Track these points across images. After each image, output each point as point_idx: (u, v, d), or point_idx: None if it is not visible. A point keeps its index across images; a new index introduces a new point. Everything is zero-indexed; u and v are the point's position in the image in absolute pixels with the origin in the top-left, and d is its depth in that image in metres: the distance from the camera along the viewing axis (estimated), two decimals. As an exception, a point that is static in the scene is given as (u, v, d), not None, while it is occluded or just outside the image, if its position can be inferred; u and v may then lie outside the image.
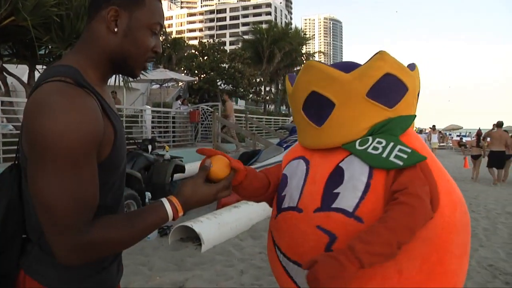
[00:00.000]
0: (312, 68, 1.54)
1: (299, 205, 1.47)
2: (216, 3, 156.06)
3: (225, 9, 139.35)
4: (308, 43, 45.48)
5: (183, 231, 5.32)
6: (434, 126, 24.59)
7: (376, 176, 1.37)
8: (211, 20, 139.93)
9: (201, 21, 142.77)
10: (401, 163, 1.34)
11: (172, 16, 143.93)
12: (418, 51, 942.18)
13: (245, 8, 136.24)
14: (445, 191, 1.41)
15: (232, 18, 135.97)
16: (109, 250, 1.10)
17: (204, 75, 24.45)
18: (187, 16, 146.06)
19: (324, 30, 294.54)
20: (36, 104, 1.02)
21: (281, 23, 60.86)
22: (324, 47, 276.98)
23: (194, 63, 25.30)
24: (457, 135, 38.71)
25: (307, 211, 1.43)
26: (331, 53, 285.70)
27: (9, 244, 1.15)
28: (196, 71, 24.73)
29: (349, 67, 1.52)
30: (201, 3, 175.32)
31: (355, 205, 1.35)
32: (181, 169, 7.17)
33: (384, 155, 1.36)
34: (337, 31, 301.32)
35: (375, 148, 1.39)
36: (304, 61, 35.73)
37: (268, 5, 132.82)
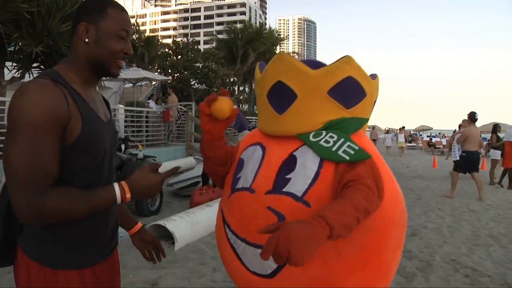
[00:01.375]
0: (282, 60, 1.64)
1: (252, 186, 1.57)
2: (190, 2, 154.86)
3: (200, 8, 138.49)
4: (282, 44, 45.68)
5: (156, 229, 5.35)
6: (403, 127, 26.01)
7: (326, 167, 1.48)
8: (186, 19, 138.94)
9: (175, 20, 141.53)
10: (347, 157, 1.46)
11: (145, 14, 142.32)
12: (392, 54, 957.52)
13: (219, 7, 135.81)
14: (389, 188, 1.54)
15: (206, 17, 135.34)
16: (61, 216, 1.26)
17: (178, 74, 24.33)
18: (161, 14, 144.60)
19: (299, 31, 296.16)
20: (15, 92, 1.28)
21: (256, 23, 60.93)
22: (298, 48, 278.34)
23: (167, 62, 25.17)
24: (427, 136, 39.67)
25: (259, 192, 1.53)
26: (305, 53, 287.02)
27: (13, 216, 1.36)
28: (169, 70, 24.59)
29: (317, 65, 1.63)
30: (176, 1, 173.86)
31: (304, 190, 1.46)
32: (154, 168, 7.15)
33: (334, 148, 1.48)
34: (311, 32, 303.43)
35: (326, 142, 1.51)
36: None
37: (243, 5, 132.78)
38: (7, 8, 6.93)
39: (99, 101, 1.53)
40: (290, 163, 1.54)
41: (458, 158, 9.78)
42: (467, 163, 9.39)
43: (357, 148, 1.49)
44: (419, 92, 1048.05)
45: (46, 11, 7.61)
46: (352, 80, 1.59)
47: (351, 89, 1.60)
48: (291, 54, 40.92)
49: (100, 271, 1.48)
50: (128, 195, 1.35)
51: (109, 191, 1.33)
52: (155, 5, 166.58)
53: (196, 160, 11.27)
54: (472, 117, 9.25)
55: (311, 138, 1.54)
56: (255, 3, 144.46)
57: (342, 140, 1.51)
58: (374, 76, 1.73)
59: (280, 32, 43.27)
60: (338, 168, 1.46)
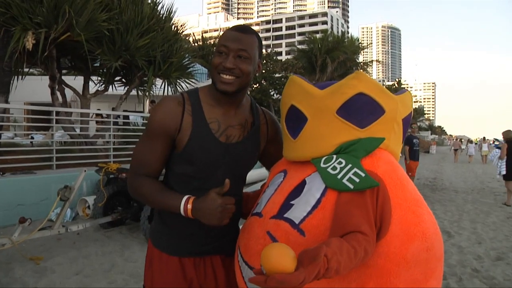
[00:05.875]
0: (293, 83, 1.62)
1: (262, 211, 1.54)
2: (272, 14, 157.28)
3: (281, 19, 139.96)
4: (365, 52, 44.63)
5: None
6: (484, 137, 28.32)
7: (329, 195, 1.37)
8: (267, 30, 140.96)
9: (257, 32, 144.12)
10: (351, 186, 1.33)
11: (229, 27, 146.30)
12: (483, 60, 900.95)
13: (301, 18, 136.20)
14: (402, 221, 1.35)
15: (288, 28, 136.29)
16: (139, 197, 1.60)
17: (257, 85, 24.63)
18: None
19: (382, 39, 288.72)
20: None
21: (338, 32, 60.31)
22: (382, 56, 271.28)
23: (247, 73, 25.55)
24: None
25: (266, 217, 1.49)
26: (389, 61, 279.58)
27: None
28: (249, 81, 24.96)
29: (330, 86, 1.54)
30: (258, 13, 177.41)
31: (302, 218, 1.37)
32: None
33: (339, 176, 1.38)
34: (396, 39, 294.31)
35: (334, 168, 1.41)
36: (361, 70, 35.11)
37: (324, 14, 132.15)
38: (90, 28, 7.46)
39: (233, 122, 1.64)
40: (299, 189, 1.47)
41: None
42: None
43: (363, 175, 1.35)
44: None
45: (124, 28, 8.07)
46: (364, 96, 1.46)
47: (364, 106, 1.47)
48: (375, 62, 39.94)
49: (201, 265, 1.68)
50: (189, 206, 1.47)
51: (177, 199, 1.50)
52: (238, 18, 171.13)
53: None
54: None
55: (321, 164, 1.45)
56: (336, 12, 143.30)
57: (349, 166, 1.39)
58: (402, 92, 1.62)
59: (362, 40, 42.29)
60: (340, 197, 1.35)
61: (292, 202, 1.44)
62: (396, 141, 1.59)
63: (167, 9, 9.69)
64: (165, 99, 1.59)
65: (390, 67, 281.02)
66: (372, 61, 41.40)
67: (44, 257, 4.67)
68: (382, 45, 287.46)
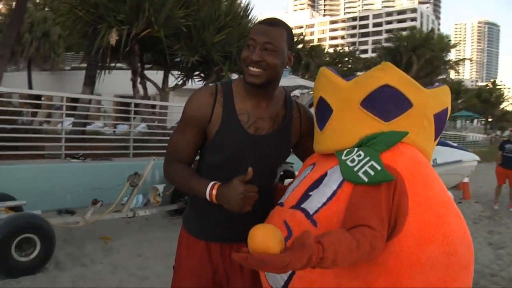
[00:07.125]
0: (321, 75, 1.62)
1: (284, 201, 1.56)
2: (359, 10, 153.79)
3: (368, 16, 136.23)
4: (457, 50, 42.14)
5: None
6: None
7: (345, 187, 1.36)
8: (354, 27, 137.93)
9: (343, 29, 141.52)
10: (366, 179, 1.31)
11: (314, 24, 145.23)
12: None
13: (389, 14, 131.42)
14: (420, 220, 1.29)
15: (375, 25, 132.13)
16: (173, 183, 1.70)
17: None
18: (330, 23, 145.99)
19: (478, 35, 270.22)
20: None
21: (428, 29, 57.58)
22: (477, 54, 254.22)
23: (327, 71, 25.34)
24: None
25: (286, 206, 1.52)
26: (485, 60, 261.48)
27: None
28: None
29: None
30: (344, 10, 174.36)
31: (316, 209, 1.37)
32: (291, 174, 7.25)
33: (356, 169, 1.35)
34: (493, 36, 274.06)
35: (352, 161, 1.39)
36: (449, 69, 33.22)
37: (414, 10, 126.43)
38: (169, 24, 7.88)
39: (263, 114, 1.65)
40: (319, 181, 1.46)
41: None
42: None
43: (379, 168, 1.31)
44: None
45: (201, 24, 8.38)
46: (390, 88, 1.43)
47: (389, 98, 1.43)
48: (468, 61, 37.56)
49: (227, 251, 1.70)
50: (214, 192, 1.51)
51: (203, 185, 1.54)
52: (324, 15, 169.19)
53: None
54: None
55: (343, 156, 1.43)
56: (427, 8, 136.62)
57: (367, 159, 1.35)
58: (439, 85, 1.58)
59: (455, 37, 39.91)
60: (355, 190, 1.33)
61: (310, 193, 1.45)
62: (426, 138, 1.53)
63: (244, 6, 9.91)
64: (199, 90, 1.66)
65: (485, 66, 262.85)
66: (463, 59, 39.03)
67: (112, 237, 5.03)
68: (478, 42, 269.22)
